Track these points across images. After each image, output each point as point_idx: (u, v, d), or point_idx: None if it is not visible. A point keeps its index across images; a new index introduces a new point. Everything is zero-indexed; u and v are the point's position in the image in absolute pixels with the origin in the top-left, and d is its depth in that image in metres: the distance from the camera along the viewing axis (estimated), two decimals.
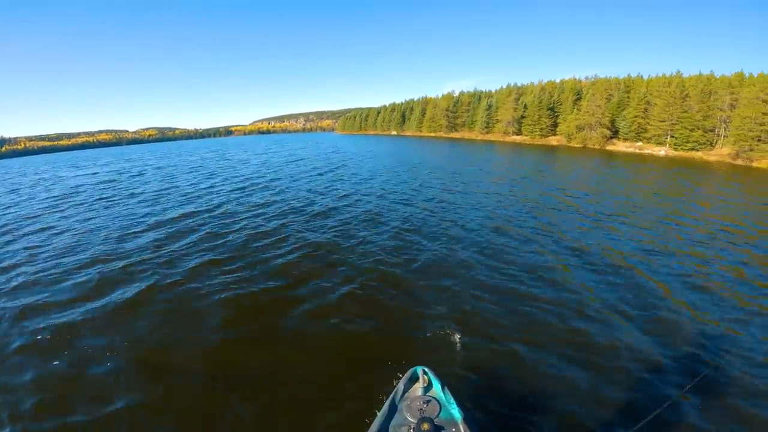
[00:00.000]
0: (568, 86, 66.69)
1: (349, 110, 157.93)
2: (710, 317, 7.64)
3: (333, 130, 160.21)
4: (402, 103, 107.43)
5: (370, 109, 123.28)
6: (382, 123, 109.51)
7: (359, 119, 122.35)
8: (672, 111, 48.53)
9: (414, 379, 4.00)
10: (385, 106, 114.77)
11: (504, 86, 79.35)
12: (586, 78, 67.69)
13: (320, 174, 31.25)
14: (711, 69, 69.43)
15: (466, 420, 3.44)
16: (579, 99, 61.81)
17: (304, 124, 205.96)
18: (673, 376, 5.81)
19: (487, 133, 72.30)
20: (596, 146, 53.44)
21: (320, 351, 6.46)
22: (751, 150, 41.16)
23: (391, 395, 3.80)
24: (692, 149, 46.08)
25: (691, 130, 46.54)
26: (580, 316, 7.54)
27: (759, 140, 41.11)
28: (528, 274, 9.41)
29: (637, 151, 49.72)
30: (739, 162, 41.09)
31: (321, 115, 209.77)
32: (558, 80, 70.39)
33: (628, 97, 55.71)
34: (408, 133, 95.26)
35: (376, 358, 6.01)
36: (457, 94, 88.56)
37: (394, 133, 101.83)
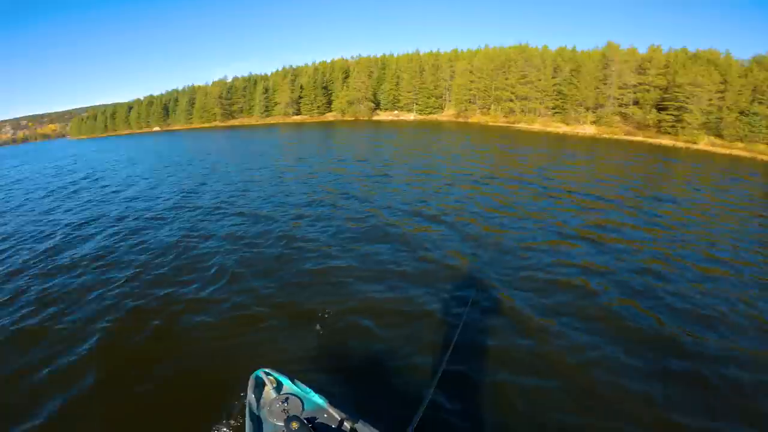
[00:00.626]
0: (338, 66, 69.17)
1: (83, 109, 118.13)
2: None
3: (65, 136, 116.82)
4: (163, 95, 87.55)
5: (117, 104, 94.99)
6: (138, 120, 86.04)
7: (103, 118, 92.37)
8: (414, 83, 56.72)
9: (260, 384, 3.81)
10: (138, 99, 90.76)
11: (279, 69, 75.72)
12: (352, 57, 72.08)
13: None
14: (438, 47, 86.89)
15: (332, 403, 3.46)
16: (347, 77, 64.72)
17: (14, 134, 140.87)
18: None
19: (267, 116, 67.00)
20: (365, 118, 56.95)
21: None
22: (466, 110, 52.40)
23: (246, 409, 3.57)
24: (431, 113, 55.38)
25: (428, 98, 55.70)
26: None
27: (470, 102, 52.71)
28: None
29: (395, 118, 55.97)
30: (460, 120, 51.68)
31: (39, 119, 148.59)
32: (329, 60, 72.07)
33: (384, 73, 62.00)
34: (176, 127, 78.24)
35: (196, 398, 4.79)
36: (230, 79, 78.76)
37: (156, 129, 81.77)
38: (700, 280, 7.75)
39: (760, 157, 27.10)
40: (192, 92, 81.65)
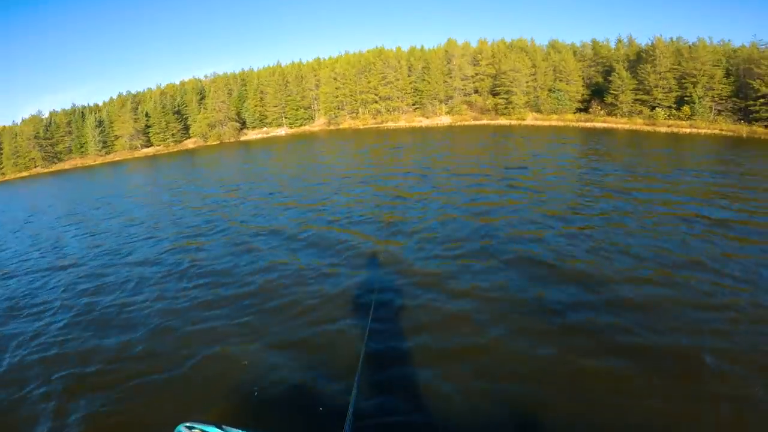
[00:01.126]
0: (190, 87, 61.96)
1: None
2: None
3: None
4: None
5: None
6: None
7: None
8: (280, 96, 54.03)
9: None
10: None
11: (115, 96, 64.03)
12: (206, 76, 65.47)
13: None
14: (300, 57, 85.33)
15: None
16: (203, 98, 58.28)
17: None
18: None
19: (107, 153, 55.83)
20: (232, 139, 51.98)
21: None
22: (336, 117, 52.05)
23: None
24: (302, 125, 53.57)
25: (296, 110, 53.72)
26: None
27: (339, 108, 52.54)
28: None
29: (265, 135, 52.46)
30: (332, 127, 51.07)
31: None
32: (178, 82, 63.96)
33: (246, 90, 57.66)
34: None
35: None
36: (46, 115, 63.39)
37: None
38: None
39: (571, 124, 32.73)
40: None
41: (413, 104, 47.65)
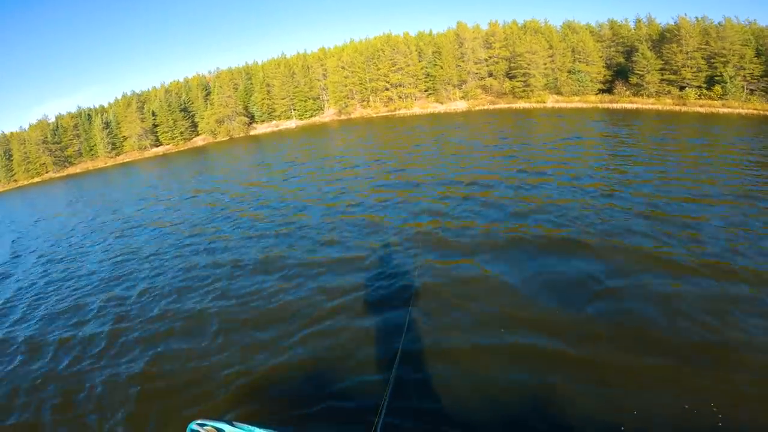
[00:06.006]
0: (195, 83, 60.96)
1: None
2: None
3: None
4: None
5: None
6: None
7: None
8: (287, 88, 53.01)
9: None
10: None
11: (120, 97, 63.18)
12: (210, 72, 64.29)
13: None
14: (305, 47, 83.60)
15: (278, 429, 3.61)
16: (209, 94, 57.36)
17: None
18: None
19: (117, 154, 55.53)
20: (241, 134, 51.40)
21: None
22: (346, 106, 51.15)
23: None
24: (311, 117, 52.76)
25: (305, 101, 52.80)
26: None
27: (348, 98, 51.58)
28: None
29: (275, 128, 51.78)
30: (343, 117, 50.25)
31: None
32: (182, 79, 62.85)
33: (252, 83, 56.61)
34: None
35: None
36: (53, 119, 62.73)
37: None
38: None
39: (598, 105, 31.96)
40: (5, 142, 62.93)
41: (426, 90, 46.66)
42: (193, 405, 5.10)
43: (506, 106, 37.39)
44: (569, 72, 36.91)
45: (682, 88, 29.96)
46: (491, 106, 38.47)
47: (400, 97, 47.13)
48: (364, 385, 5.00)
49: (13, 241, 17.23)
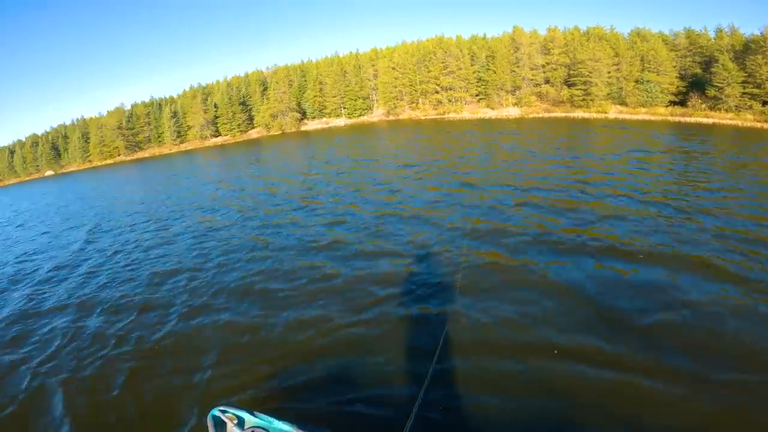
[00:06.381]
0: (254, 79, 64.43)
1: None
2: None
3: None
4: (49, 132, 74.34)
5: None
6: (23, 165, 72.11)
7: None
8: (339, 87, 54.77)
9: (219, 423, 3.71)
10: (20, 140, 76.09)
11: (187, 88, 68.36)
12: (268, 68, 67.72)
13: None
14: (357, 47, 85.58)
15: (300, 426, 3.50)
16: (266, 89, 60.54)
17: None
18: None
19: (181, 142, 60.17)
20: (293, 129, 53.77)
21: None
22: (395, 107, 51.92)
23: None
24: (360, 116, 54.05)
25: (355, 100, 54.22)
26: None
27: (398, 99, 52.32)
28: None
29: (325, 125, 53.66)
30: (391, 118, 51.07)
31: None
32: (243, 74, 66.81)
33: (306, 81, 59.01)
34: (72, 168, 66.97)
35: None
36: (128, 107, 69.18)
37: (49, 173, 69.25)
38: None
39: (664, 119, 30.13)
40: (84, 126, 70.38)
41: (476, 94, 46.25)
42: (223, 380, 5.33)
43: (563, 114, 36.20)
44: (636, 82, 35.02)
45: (765, 104, 27.47)
46: (546, 114, 37.41)
47: (450, 101, 47.08)
48: (399, 377, 4.99)
49: (97, 216, 19.43)
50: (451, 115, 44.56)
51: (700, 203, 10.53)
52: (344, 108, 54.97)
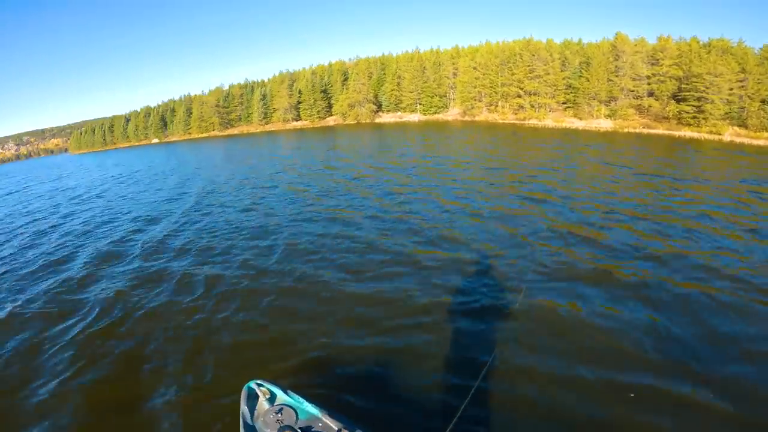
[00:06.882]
0: (336, 68, 67.66)
1: (84, 123, 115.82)
2: None
3: (66, 150, 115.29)
4: (159, 105, 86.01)
5: (114, 117, 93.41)
6: (136, 132, 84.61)
7: (101, 132, 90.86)
8: (416, 82, 55.28)
9: (253, 396, 3.81)
10: (136, 111, 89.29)
11: (276, 74, 74.14)
12: (350, 59, 70.61)
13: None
14: (438, 44, 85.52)
15: (328, 413, 3.43)
16: (346, 79, 63.26)
17: (17, 150, 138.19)
18: None
19: (266, 123, 65.62)
20: (367, 120, 55.61)
21: None
22: (472, 108, 51.03)
23: (240, 422, 3.55)
24: (435, 113, 54.01)
25: (431, 97, 54.29)
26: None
27: (476, 100, 51.35)
28: None
29: (399, 119, 54.62)
30: (466, 118, 50.30)
31: (41, 134, 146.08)
32: (327, 63, 70.54)
33: (385, 74, 60.50)
34: (174, 138, 76.91)
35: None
36: (226, 87, 77.21)
37: (155, 141, 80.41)
38: None
39: None
40: (188, 102, 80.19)
41: (564, 102, 43.58)
42: (263, 364, 5.51)
43: (665, 132, 32.64)
44: (762, 102, 30.31)
45: None
46: (644, 130, 34.04)
47: (533, 106, 44.97)
48: (442, 387, 4.94)
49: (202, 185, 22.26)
50: (533, 122, 42.60)
51: None
52: (420, 104, 55.39)
